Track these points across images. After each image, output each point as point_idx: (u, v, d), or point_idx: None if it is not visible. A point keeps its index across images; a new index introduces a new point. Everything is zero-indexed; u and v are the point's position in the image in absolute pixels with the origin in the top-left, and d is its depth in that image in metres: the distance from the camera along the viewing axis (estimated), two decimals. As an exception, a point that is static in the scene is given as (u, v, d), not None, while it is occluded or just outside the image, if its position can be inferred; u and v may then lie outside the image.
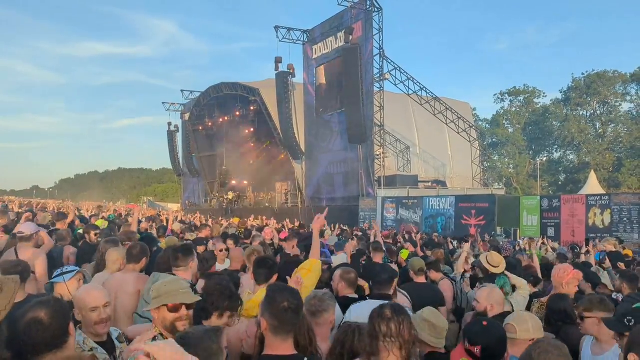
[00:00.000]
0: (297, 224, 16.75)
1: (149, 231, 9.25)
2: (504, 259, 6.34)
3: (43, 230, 5.81)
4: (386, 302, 3.15)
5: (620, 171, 52.60)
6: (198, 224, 12.76)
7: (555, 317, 3.94)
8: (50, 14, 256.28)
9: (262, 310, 2.35)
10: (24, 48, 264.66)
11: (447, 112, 27.34)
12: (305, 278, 3.29)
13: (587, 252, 8.13)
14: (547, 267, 6.28)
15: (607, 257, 7.32)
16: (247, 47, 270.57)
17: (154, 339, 2.53)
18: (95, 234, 6.74)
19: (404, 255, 7.24)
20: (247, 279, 4.39)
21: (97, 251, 5.11)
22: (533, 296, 5.52)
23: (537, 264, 5.93)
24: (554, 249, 10.22)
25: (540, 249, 9.49)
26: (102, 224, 8.75)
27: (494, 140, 63.04)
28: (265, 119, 30.74)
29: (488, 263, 5.28)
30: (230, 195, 34.04)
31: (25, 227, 5.26)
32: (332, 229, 13.71)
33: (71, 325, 2.21)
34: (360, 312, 3.31)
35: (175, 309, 2.51)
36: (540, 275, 5.90)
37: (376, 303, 3.82)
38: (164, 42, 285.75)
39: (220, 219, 20.21)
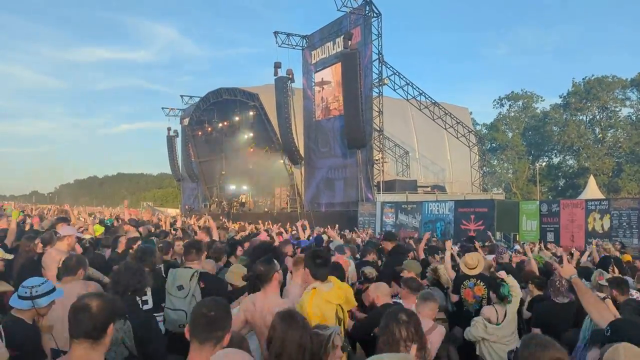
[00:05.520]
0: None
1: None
2: (501, 265, 6.31)
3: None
4: (396, 307, 3.25)
5: (620, 176, 52.58)
6: (196, 228, 12.66)
7: None
8: (50, 19, 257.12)
9: None
10: (24, 53, 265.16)
11: (446, 117, 27.34)
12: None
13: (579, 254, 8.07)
14: (546, 273, 6.23)
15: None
16: (246, 52, 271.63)
17: None
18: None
19: None
20: None
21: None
22: (532, 301, 5.48)
23: (535, 269, 5.89)
24: (554, 254, 10.13)
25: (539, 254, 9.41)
26: (98, 229, 8.72)
27: (493, 145, 63.03)
28: (264, 124, 30.78)
29: (465, 266, 5.40)
30: (230, 200, 33.99)
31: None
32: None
33: (111, 327, 2.33)
34: None
35: None
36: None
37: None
38: (163, 47, 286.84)
39: (222, 219, 20.11)
